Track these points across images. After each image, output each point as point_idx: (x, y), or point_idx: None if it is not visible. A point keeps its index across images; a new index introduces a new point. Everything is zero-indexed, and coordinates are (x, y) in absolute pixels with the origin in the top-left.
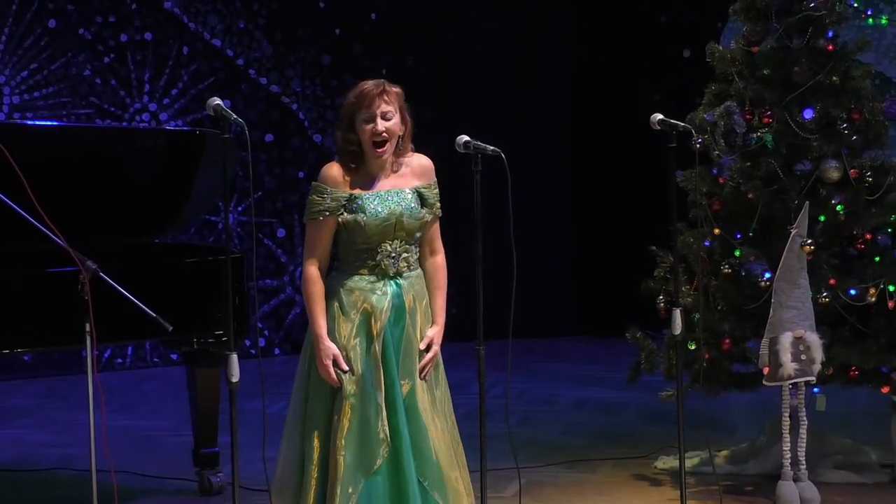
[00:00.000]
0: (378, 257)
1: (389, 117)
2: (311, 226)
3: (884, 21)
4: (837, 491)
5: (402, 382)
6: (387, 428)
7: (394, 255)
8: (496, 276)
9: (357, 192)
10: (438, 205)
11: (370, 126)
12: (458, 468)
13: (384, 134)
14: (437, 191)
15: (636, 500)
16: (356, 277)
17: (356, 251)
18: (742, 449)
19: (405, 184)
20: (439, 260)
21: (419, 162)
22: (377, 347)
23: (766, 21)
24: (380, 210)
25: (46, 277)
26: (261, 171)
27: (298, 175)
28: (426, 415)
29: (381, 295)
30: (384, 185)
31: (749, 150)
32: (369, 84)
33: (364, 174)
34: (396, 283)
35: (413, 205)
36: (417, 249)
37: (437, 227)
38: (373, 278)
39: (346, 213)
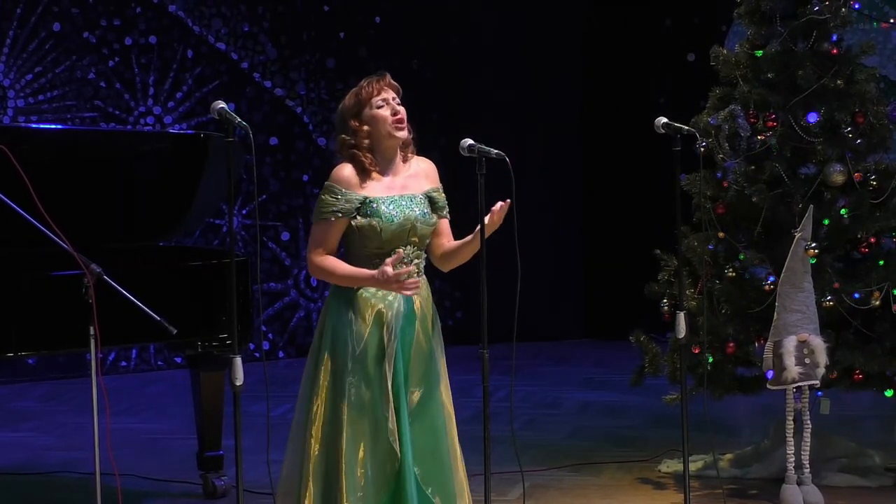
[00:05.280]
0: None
1: (398, 102)
2: (320, 225)
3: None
4: (841, 494)
5: (412, 390)
6: (397, 441)
7: (406, 260)
8: (501, 279)
9: (371, 195)
10: (447, 207)
11: (386, 110)
12: (460, 465)
13: (400, 114)
14: (443, 194)
15: (640, 503)
16: None
17: (368, 256)
18: (746, 452)
19: (417, 187)
20: None
21: (425, 165)
22: (387, 364)
23: (771, 25)
24: (394, 214)
25: (51, 280)
26: (265, 174)
27: (303, 178)
28: (439, 418)
29: (393, 301)
30: (397, 189)
31: (753, 153)
32: (367, 79)
33: (376, 177)
34: None
35: (426, 210)
36: (426, 256)
37: (447, 223)
38: None
39: (359, 217)
